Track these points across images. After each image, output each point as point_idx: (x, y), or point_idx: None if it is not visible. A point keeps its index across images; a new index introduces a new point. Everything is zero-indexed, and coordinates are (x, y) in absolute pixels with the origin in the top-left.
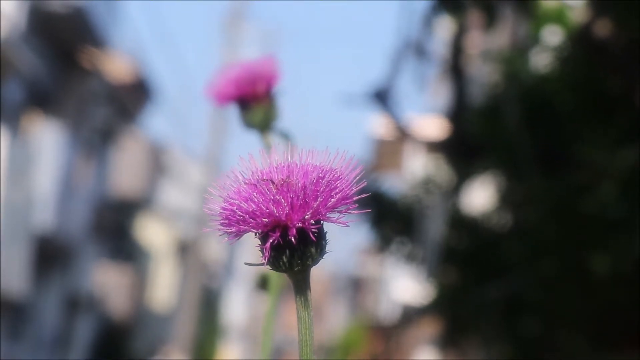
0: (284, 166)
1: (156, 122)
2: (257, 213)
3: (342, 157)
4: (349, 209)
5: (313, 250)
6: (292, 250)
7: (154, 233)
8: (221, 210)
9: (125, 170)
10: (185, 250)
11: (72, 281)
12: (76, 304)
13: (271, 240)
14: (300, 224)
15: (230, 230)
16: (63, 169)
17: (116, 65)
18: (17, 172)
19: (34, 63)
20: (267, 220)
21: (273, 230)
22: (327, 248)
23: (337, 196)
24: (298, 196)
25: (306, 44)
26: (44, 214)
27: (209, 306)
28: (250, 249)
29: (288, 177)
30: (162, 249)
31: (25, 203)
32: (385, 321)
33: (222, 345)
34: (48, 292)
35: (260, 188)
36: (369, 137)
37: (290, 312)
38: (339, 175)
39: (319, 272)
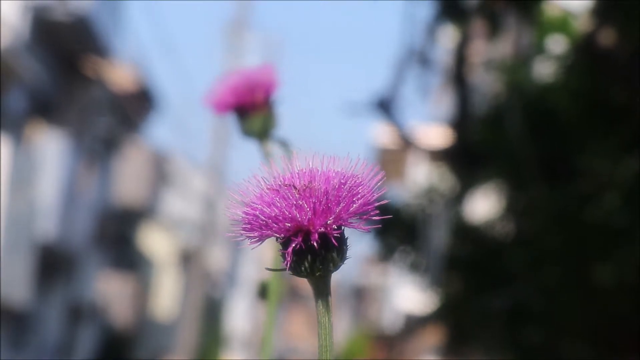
0: (305, 172)
1: (159, 131)
2: (280, 218)
3: (363, 164)
4: (370, 214)
5: (335, 255)
6: (314, 255)
7: (156, 242)
8: (244, 215)
9: (128, 179)
10: (188, 259)
11: (75, 290)
12: (79, 313)
13: (293, 245)
14: (322, 229)
15: (252, 235)
16: (66, 178)
17: (119, 74)
18: (20, 181)
19: (37, 72)
20: (289, 224)
21: (295, 235)
22: (348, 254)
23: (359, 202)
24: (320, 201)
25: (309, 52)
26: (46, 223)
27: (211, 315)
28: (253, 258)
29: (310, 182)
30: (164, 258)
31: (28, 212)
32: (389, 330)
33: (224, 354)
34: (51, 301)
35: (283, 193)
36: (372, 146)
37: (291, 321)
38: (361, 182)
39: None
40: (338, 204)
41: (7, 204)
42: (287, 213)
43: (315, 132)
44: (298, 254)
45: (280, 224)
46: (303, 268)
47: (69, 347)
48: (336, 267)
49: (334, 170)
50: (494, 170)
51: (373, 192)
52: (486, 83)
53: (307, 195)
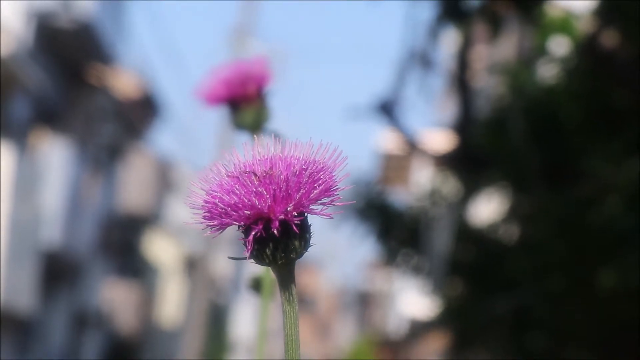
0: (267, 158)
1: (163, 138)
2: (239, 205)
3: (325, 149)
4: (332, 200)
5: (297, 243)
6: (276, 243)
7: (161, 249)
8: (203, 204)
9: (132, 186)
10: (192, 266)
11: (80, 298)
12: (84, 320)
13: (254, 233)
14: (282, 216)
15: (212, 224)
16: (70, 186)
17: (123, 82)
18: (24, 189)
19: (41, 80)
20: (249, 212)
21: (255, 222)
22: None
23: (320, 188)
24: (280, 188)
25: (312, 58)
26: (51, 231)
27: (216, 322)
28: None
29: (270, 169)
30: (169, 265)
31: (32, 220)
32: (393, 335)
33: None
34: (56, 308)
35: (243, 180)
36: (376, 151)
37: (303, 331)
38: (322, 167)
39: (327, 287)
40: (298, 190)
41: (12, 212)
42: (247, 200)
43: (319, 138)
44: (259, 242)
45: (239, 212)
46: (265, 256)
47: (74, 354)
48: (299, 255)
49: (295, 157)
50: (497, 173)
51: (335, 178)
52: (489, 87)
53: (267, 182)
